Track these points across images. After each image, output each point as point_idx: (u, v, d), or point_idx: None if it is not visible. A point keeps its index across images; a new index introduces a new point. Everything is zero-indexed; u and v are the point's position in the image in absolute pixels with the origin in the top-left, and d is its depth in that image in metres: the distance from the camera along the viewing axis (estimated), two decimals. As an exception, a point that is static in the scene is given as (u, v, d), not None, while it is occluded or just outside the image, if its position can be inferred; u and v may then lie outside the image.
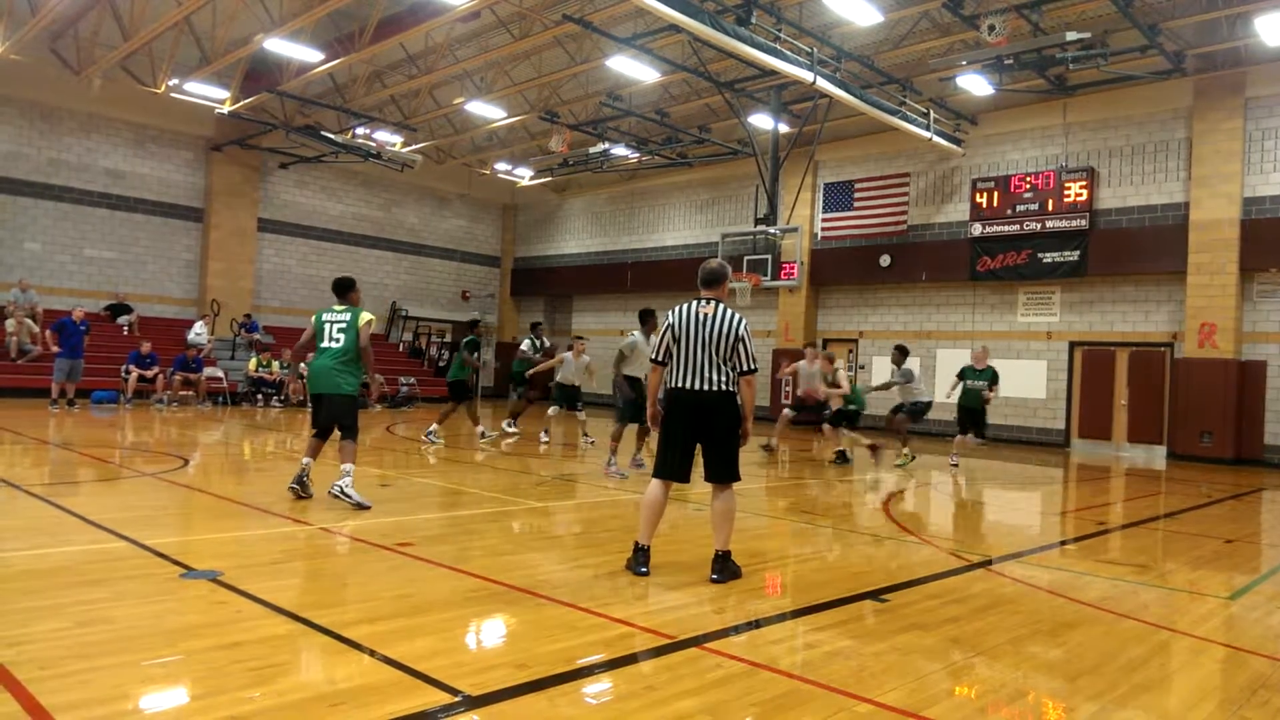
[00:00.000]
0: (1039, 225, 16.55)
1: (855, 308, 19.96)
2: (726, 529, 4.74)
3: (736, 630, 3.85)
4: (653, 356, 4.83)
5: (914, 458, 11.94)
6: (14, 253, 18.49)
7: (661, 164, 21.69)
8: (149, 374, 16.68)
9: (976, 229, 17.29)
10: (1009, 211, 16.93)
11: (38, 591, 3.91)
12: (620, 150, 20.62)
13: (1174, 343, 15.53)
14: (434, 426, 12.01)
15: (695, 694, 3.02)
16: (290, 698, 2.81)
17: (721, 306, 4.74)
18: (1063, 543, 6.92)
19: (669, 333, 4.75)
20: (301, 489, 6.74)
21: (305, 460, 6.86)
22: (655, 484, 4.80)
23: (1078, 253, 16.16)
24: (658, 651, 3.46)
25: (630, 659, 3.38)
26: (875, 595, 4.59)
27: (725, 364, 4.68)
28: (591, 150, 20.80)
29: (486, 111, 18.91)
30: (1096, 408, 16.49)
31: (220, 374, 18.08)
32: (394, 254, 25.03)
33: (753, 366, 4.75)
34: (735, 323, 4.68)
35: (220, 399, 17.78)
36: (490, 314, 27.70)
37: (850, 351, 20.06)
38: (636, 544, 4.78)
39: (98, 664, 3.04)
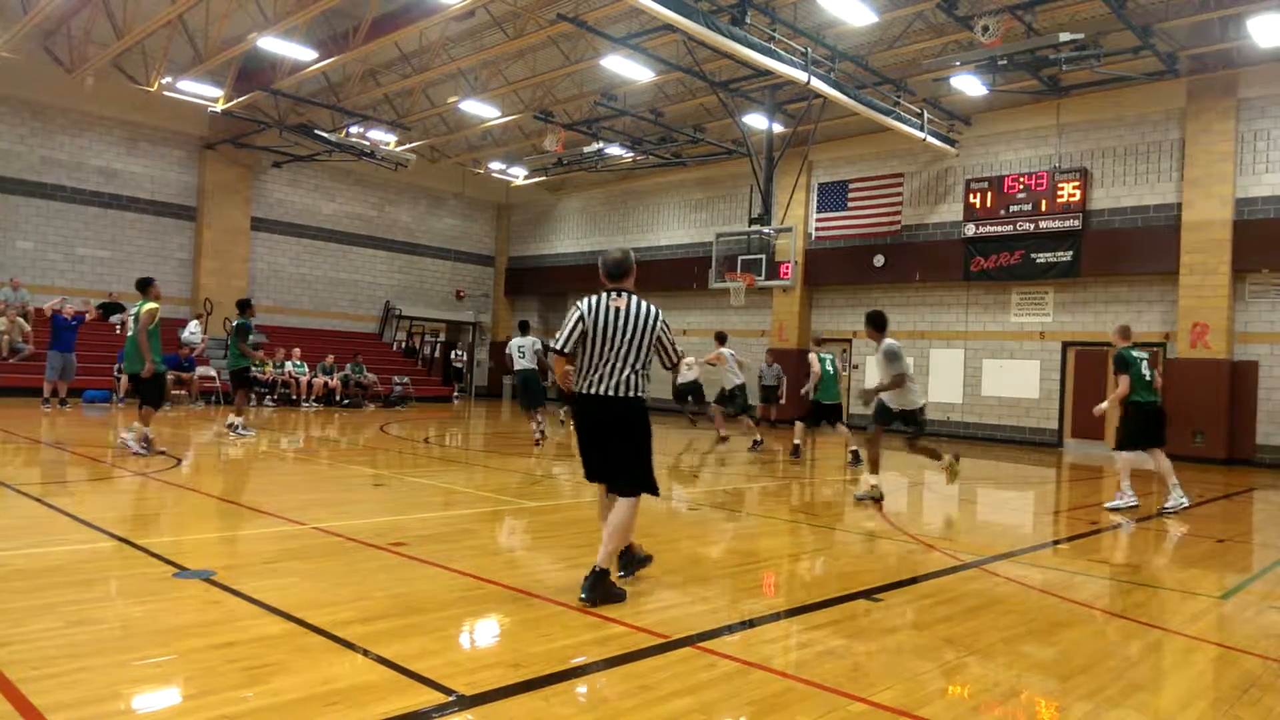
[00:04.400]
0: (1032, 225, 16.60)
1: (849, 308, 19.99)
2: (613, 543, 4.19)
3: (730, 629, 3.85)
4: (559, 347, 4.27)
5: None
6: (5, 251, 18.38)
7: (656, 164, 21.68)
8: (141, 373, 16.59)
9: (970, 229, 17.34)
10: (1002, 212, 16.98)
11: (30, 591, 3.89)
12: (615, 150, 20.61)
13: (1166, 343, 15.60)
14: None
15: (689, 693, 3.02)
16: (284, 698, 2.81)
17: (635, 298, 4.31)
18: (1055, 542, 6.94)
19: (579, 324, 4.23)
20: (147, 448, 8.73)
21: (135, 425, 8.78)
22: (598, 490, 4.47)
23: (1071, 253, 16.22)
24: (652, 651, 3.46)
25: (624, 658, 3.38)
26: (869, 594, 4.60)
27: (639, 364, 4.22)
28: (586, 150, 20.79)
29: (481, 110, 18.88)
30: (1089, 408, 16.52)
31: (213, 373, 18.01)
32: (388, 253, 24.96)
33: (677, 358, 4.49)
34: (654, 316, 4.29)
35: (213, 398, 17.71)
36: (485, 314, 27.66)
37: (844, 351, 20.09)
38: (596, 569, 4.12)
39: (90, 664, 3.03)
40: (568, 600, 4.12)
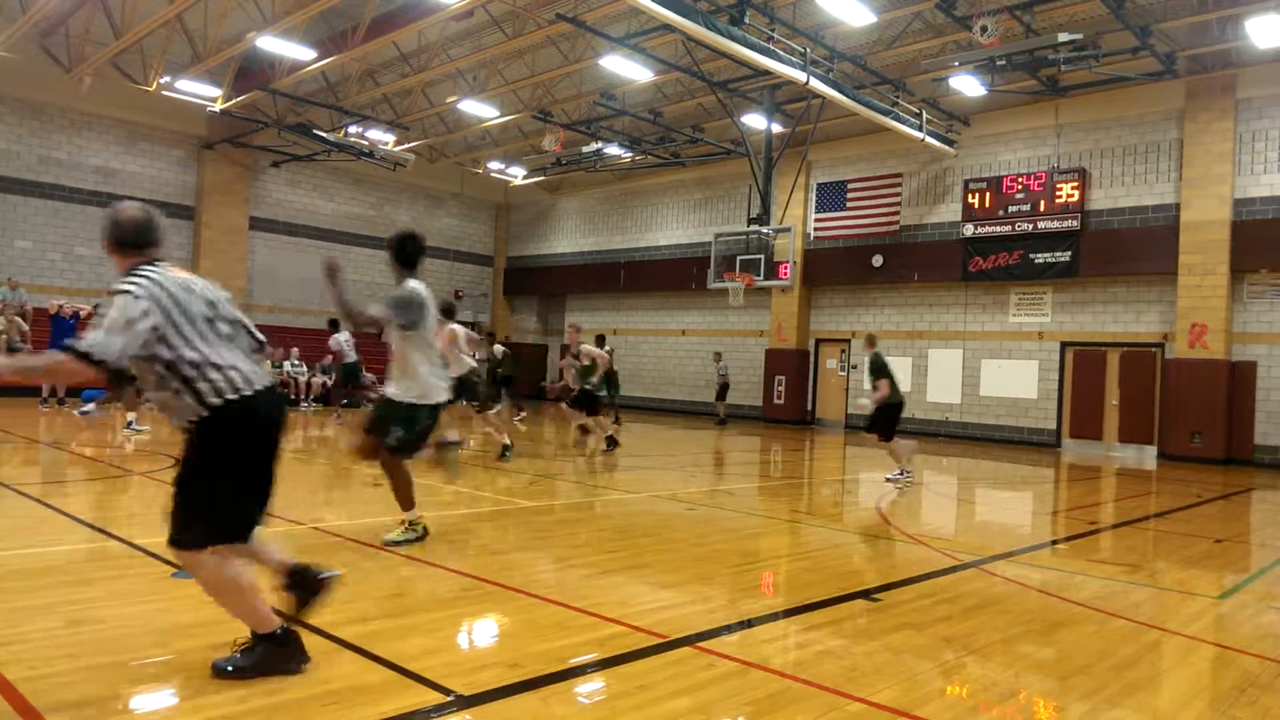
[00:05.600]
0: (1030, 226, 16.62)
1: (848, 308, 20.01)
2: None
3: (729, 629, 3.85)
4: (105, 357, 2.67)
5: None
6: (4, 251, 18.37)
7: (655, 163, 21.69)
8: (140, 373, 16.57)
9: (968, 229, 17.35)
10: (1001, 212, 16.99)
11: (28, 591, 3.89)
12: (614, 150, 20.60)
13: (1165, 343, 15.62)
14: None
15: (687, 693, 3.02)
16: (282, 698, 2.81)
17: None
18: (1054, 542, 6.95)
19: (150, 314, 2.75)
20: None
21: None
22: (225, 558, 2.95)
23: (1069, 253, 16.24)
24: (650, 651, 3.46)
25: (623, 658, 3.38)
26: (867, 594, 4.60)
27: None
28: (585, 149, 20.78)
29: (479, 110, 18.87)
30: (1088, 408, 16.58)
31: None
32: (386, 253, 24.92)
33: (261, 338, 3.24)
34: (217, 285, 3.13)
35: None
36: (484, 314, 27.64)
37: (842, 351, 20.10)
38: (277, 633, 3.00)
39: (88, 664, 3.02)
40: (566, 600, 4.13)
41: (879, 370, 9.53)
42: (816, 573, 5.25)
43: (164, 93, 17.53)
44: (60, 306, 15.22)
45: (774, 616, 4.20)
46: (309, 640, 3.38)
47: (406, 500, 5.31)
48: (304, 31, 15.13)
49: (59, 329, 14.68)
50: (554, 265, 26.33)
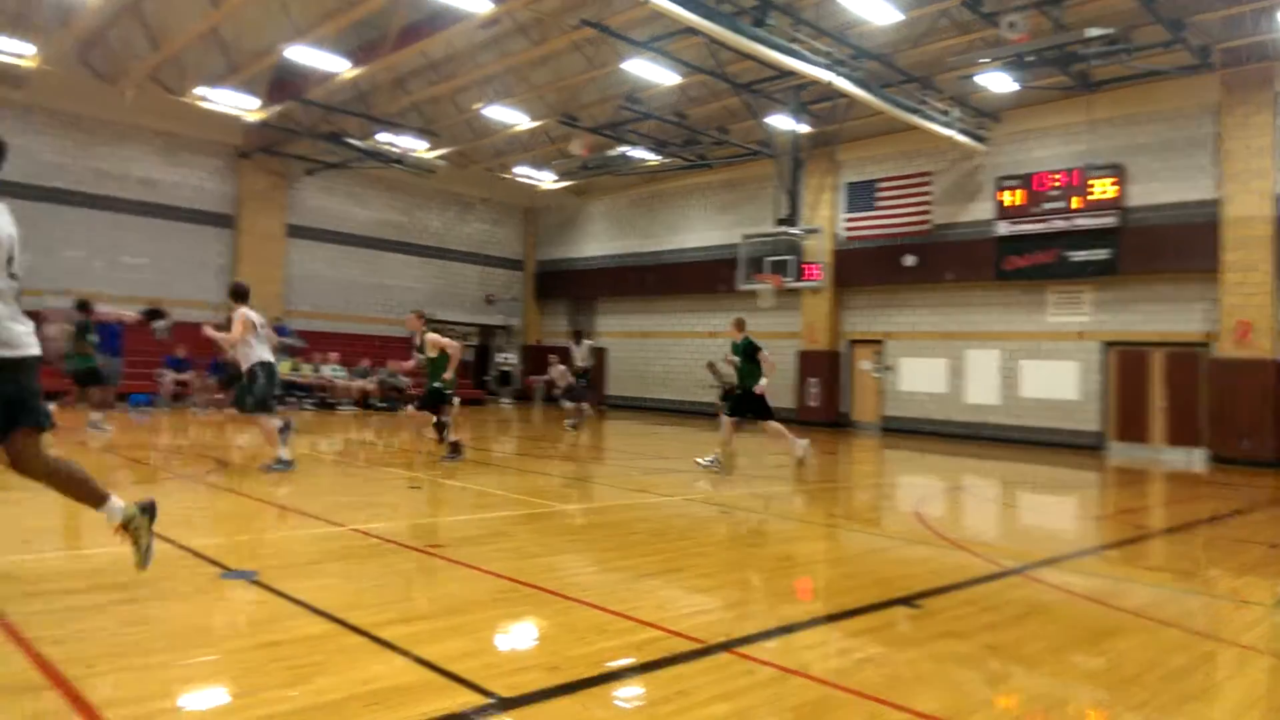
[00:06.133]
0: (1066, 223, 16.31)
1: (880, 308, 19.80)
2: None
3: (767, 635, 3.83)
4: None
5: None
6: (54, 260, 18.87)
7: (681, 166, 21.67)
8: (183, 378, 16.96)
9: (1002, 228, 17.08)
10: (1035, 210, 16.70)
11: (80, 591, 3.99)
12: (640, 153, 20.64)
13: (1209, 342, 15.22)
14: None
15: (726, 699, 3.00)
16: (326, 697, 2.84)
17: None
18: (1101, 548, 6.80)
19: None
20: None
21: None
22: None
23: (1108, 251, 15.90)
24: (688, 655, 3.45)
25: (661, 663, 3.37)
26: (908, 601, 4.54)
27: None
28: (611, 153, 20.84)
29: (507, 116, 19.03)
30: (1133, 409, 16.20)
31: (249, 378, 18.32)
32: (419, 258, 25.24)
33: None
34: None
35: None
36: (515, 318, 27.83)
37: (876, 352, 19.89)
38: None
39: (139, 662, 3.09)
40: (603, 603, 4.13)
41: (755, 350, 9.87)
42: (855, 578, 5.20)
43: (201, 104, 17.92)
44: (105, 312, 15.59)
45: (813, 622, 4.16)
46: (352, 640, 3.43)
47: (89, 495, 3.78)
48: (335, 41, 15.39)
49: (102, 334, 15.03)
50: (583, 269, 26.42)
